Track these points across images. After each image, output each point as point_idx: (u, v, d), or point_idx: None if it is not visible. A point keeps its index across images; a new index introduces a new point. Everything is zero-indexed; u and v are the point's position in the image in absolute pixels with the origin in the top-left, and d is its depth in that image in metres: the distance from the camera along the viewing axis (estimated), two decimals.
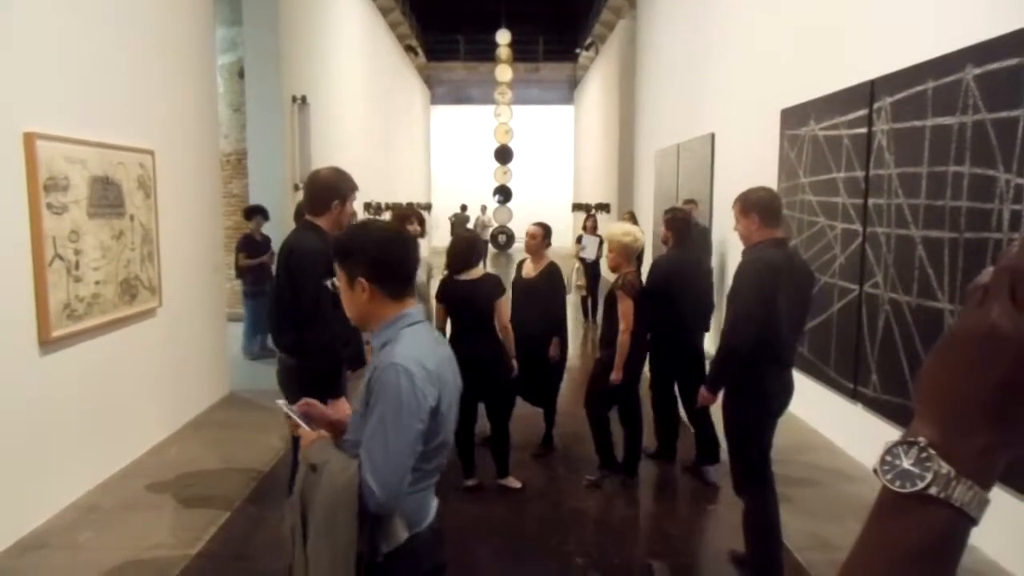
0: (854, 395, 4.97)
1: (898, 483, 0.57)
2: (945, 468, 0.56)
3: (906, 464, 0.57)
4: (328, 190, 3.26)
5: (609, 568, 3.68)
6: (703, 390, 3.43)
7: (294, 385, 3.17)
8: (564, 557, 3.77)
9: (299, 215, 5.01)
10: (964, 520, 0.56)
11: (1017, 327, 0.55)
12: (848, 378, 5.06)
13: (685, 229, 4.88)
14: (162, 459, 4.91)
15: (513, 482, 4.54)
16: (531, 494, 4.50)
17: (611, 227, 4.86)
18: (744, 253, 3.35)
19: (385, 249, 1.91)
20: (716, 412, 3.62)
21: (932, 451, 0.57)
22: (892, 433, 4.72)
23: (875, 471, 0.59)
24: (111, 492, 4.35)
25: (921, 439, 0.58)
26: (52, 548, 3.68)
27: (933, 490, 0.56)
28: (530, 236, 5.07)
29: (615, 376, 4.37)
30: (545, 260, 5.06)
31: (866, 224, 4.86)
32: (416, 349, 1.82)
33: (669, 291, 4.58)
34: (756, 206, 3.27)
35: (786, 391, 3.36)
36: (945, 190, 3.99)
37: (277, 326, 3.34)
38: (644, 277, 4.76)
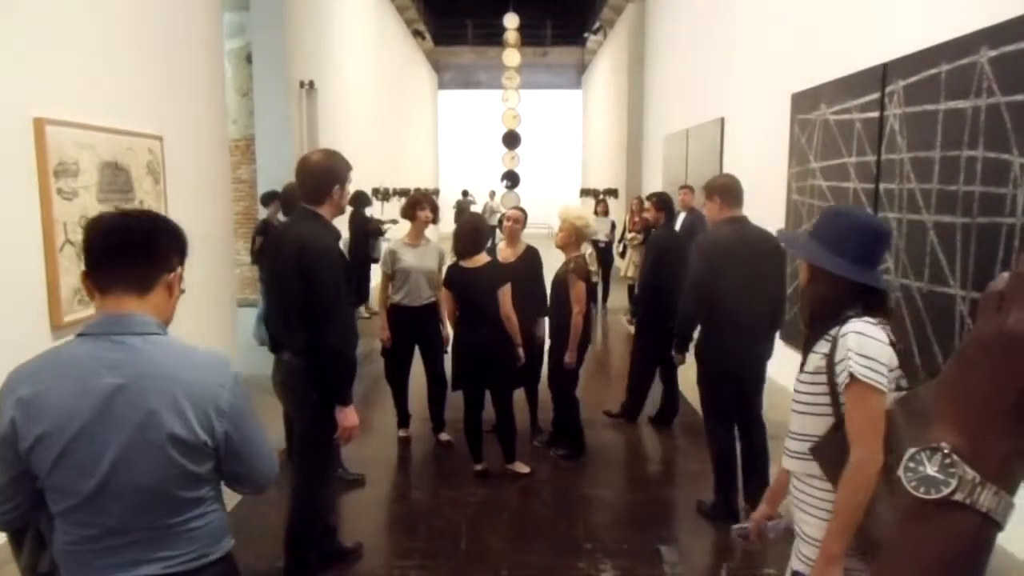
0: None
1: (922, 489, 0.57)
2: (970, 474, 0.55)
3: (930, 470, 0.57)
4: (327, 175, 2.99)
5: (617, 553, 3.69)
6: (673, 352, 4.22)
7: (300, 388, 2.99)
8: (572, 542, 3.79)
9: (287, 201, 4.84)
10: (990, 525, 0.56)
11: None
12: None
13: (671, 208, 5.62)
14: None
15: (521, 467, 4.56)
16: (539, 479, 4.53)
17: (568, 208, 4.86)
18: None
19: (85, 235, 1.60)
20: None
21: (956, 457, 0.56)
22: None
23: (898, 477, 0.59)
24: None
25: (944, 445, 0.57)
26: None
27: (958, 496, 0.55)
28: (514, 220, 5.21)
29: (569, 358, 4.58)
30: (522, 245, 5.17)
31: (877, 209, 4.82)
32: (34, 363, 1.56)
33: (671, 264, 5.05)
34: (718, 190, 3.72)
35: (745, 354, 3.75)
36: (958, 175, 3.95)
37: (283, 326, 3.04)
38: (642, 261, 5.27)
